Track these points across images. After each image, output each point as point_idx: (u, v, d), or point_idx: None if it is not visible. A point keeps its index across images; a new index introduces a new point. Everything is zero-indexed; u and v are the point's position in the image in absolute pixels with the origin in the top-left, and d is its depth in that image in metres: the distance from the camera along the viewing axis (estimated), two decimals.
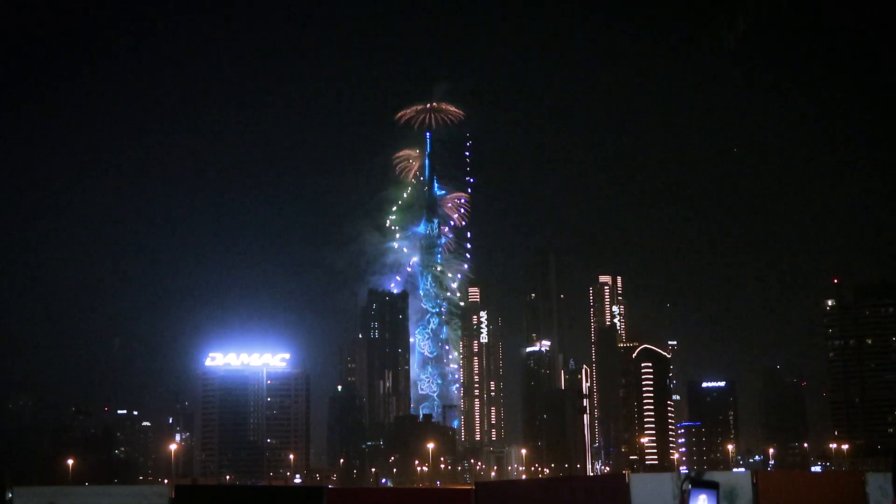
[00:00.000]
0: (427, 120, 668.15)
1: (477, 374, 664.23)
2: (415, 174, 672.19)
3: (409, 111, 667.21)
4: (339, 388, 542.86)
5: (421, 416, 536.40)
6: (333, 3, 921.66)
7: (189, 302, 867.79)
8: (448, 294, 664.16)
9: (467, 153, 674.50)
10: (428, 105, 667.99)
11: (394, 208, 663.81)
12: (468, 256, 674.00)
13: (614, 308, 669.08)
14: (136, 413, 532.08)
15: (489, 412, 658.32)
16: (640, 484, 27.79)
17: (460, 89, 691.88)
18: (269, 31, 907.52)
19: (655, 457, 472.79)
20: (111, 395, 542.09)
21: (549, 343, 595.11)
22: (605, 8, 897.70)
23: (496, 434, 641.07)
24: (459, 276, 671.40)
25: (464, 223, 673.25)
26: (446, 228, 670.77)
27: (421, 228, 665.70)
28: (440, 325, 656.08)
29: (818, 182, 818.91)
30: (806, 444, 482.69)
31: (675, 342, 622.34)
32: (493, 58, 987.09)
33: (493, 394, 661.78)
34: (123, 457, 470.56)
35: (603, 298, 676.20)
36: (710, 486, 10.95)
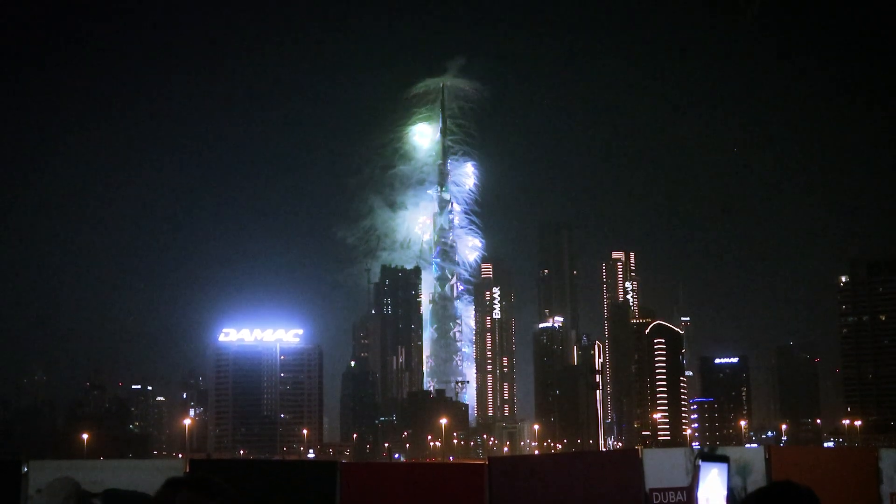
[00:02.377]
0: (440, 95, 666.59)
1: (490, 350, 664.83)
2: (427, 150, 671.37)
3: (422, 86, 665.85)
4: (353, 363, 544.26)
5: (434, 392, 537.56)
6: None
7: (202, 278, 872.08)
8: (461, 270, 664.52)
9: (480, 129, 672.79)
10: (441, 80, 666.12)
11: (405, 184, 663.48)
12: (481, 232, 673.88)
13: (627, 284, 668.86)
14: (150, 388, 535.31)
15: (502, 388, 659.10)
16: (652, 459, 27.73)
17: (474, 65, 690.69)
18: (280, 9, 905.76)
19: (668, 433, 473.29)
20: (125, 371, 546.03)
21: (561, 319, 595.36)
22: None
23: (509, 410, 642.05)
24: (473, 251, 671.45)
25: (476, 199, 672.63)
26: (459, 204, 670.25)
27: (433, 204, 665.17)
28: (453, 300, 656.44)
29: (832, 159, 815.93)
30: (819, 421, 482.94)
31: (687, 318, 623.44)
32: (507, 33, 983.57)
33: (505, 370, 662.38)
34: (138, 431, 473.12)
35: (616, 274, 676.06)
36: (721, 460, 10.94)
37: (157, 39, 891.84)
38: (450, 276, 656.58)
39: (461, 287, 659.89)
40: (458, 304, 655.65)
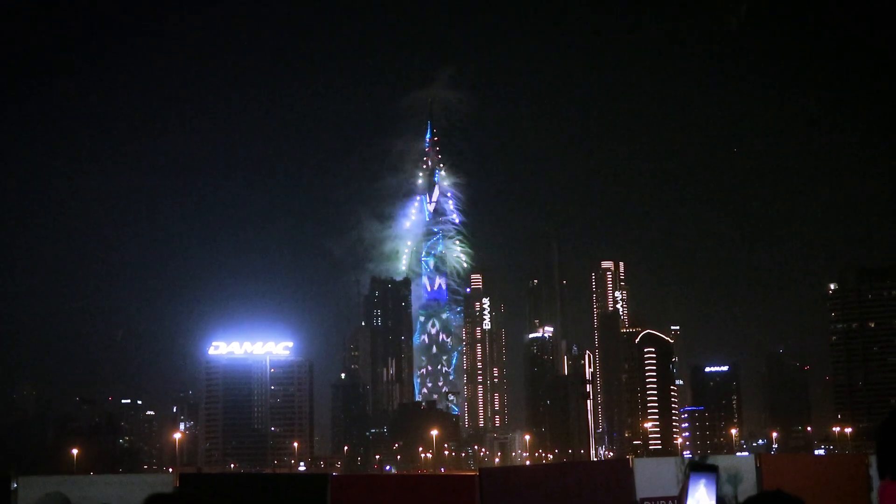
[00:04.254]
0: (428, 106, 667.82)
1: (480, 361, 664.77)
2: (415, 161, 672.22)
3: (409, 97, 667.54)
4: (343, 375, 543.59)
5: (424, 403, 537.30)
6: None
7: (192, 291, 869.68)
8: (450, 281, 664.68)
9: (468, 139, 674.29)
10: (429, 91, 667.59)
11: (393, 195, 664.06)
12: (470, 243, 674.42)
13: (617, 293, 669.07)
14: (139, 402, 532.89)
15: (492, 399, 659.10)
16: (644, 469, 27.79)
17: (462, 76, 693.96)
18: (269, 20, 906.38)
19: (659, 442, 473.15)
20: (115, 385, 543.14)
21: (551, 329, 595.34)
22: None
23: (500, 420, 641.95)
24: (462, 262, 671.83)
25: (465, 209, 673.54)
26: (447, 215, 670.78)
27: (421, 215, 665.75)
28: (442, 311, 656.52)
29: (820, 165, 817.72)
30: (809, 428, 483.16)
31: (677, 327, 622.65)
32: (495, 44, 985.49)
33: (496, 380, 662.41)
34: (128, 446, 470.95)
35: (605, 284, 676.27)
36: (710, 470, 10.85)
37: (149, 51, 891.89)
38: (439, 287, 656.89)
39: (450, 298, 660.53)
40: (447, 315, 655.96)
